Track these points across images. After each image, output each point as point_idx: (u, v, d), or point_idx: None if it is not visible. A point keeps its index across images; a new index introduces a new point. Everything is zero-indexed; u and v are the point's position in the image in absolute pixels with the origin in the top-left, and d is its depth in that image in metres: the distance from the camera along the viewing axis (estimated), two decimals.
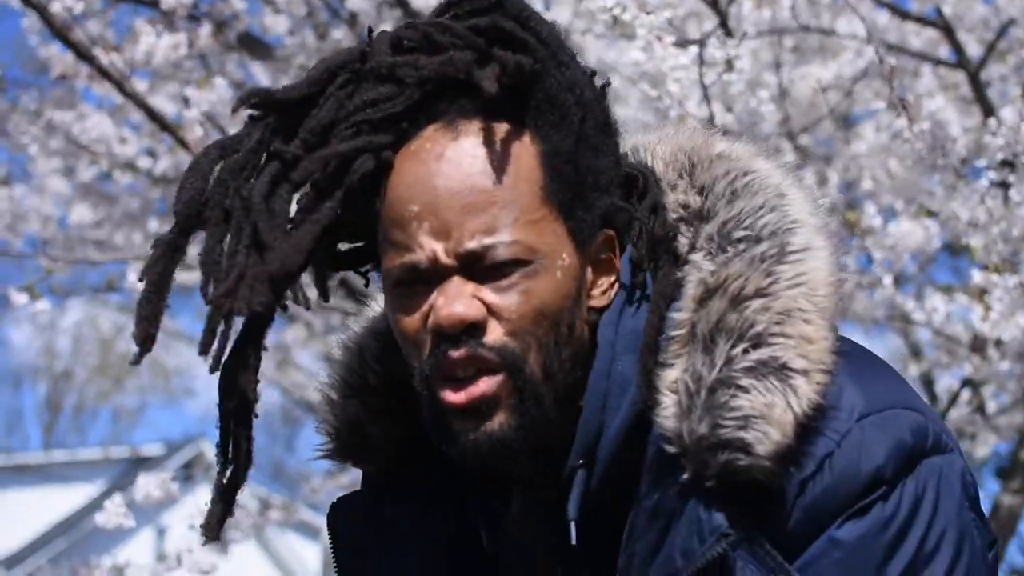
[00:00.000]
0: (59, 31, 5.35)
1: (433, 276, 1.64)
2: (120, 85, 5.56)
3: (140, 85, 5.97)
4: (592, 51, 6.14)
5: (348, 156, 1.65)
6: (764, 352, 1.60)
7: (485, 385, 1.64)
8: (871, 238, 5.43)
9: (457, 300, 1.62)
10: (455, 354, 1.63)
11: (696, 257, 1.70)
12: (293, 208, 1.68)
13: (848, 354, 1.67)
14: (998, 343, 5.52)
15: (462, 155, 1.64)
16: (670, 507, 1.63)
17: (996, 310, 4.73)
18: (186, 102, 6.09)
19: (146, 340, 1.68)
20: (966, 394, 7.08)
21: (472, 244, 1.62)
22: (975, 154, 4.29)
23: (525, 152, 1.66)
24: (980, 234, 4.44)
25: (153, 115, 5.72)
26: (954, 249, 7.97)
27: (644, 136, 1.84)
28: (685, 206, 1.74)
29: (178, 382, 33.73)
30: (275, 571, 24.35)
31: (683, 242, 1.73)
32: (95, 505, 22.09)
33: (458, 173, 1.64)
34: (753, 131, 4.97)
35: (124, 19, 7.04)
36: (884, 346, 11.17)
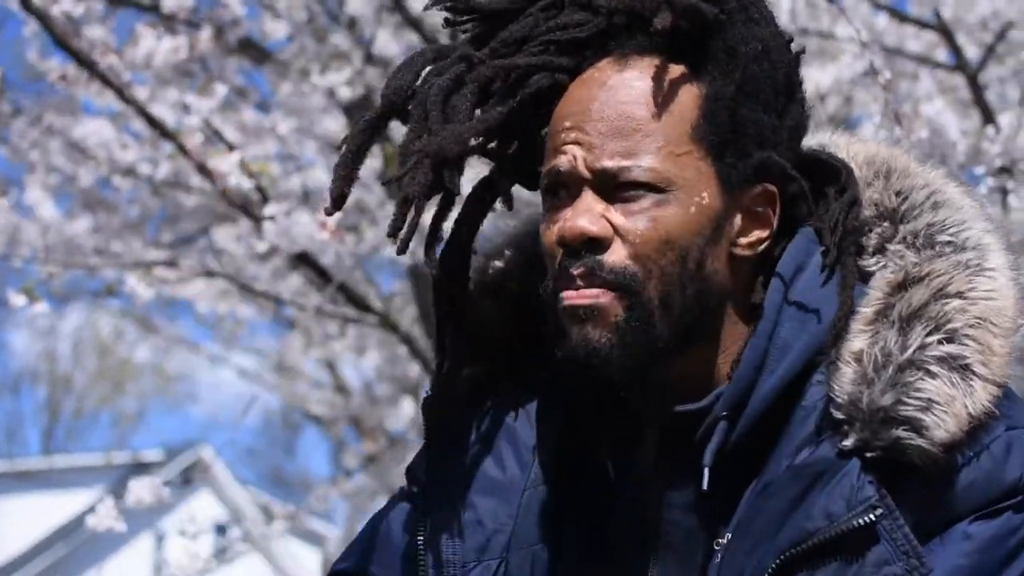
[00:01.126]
0: (60, 38, 5.36)
1: (572, 185, 1.72)
2: (120, 92, 5.58)
3: (140, 92, 5.97)
4: None
5: (527, 70, 1.76)
6: (955, 348, 1.65)
7: (596, 294, 1.69)
8: None
9: (584, 215, 1.69)
10: (574, 270, 1.69)
11: (896, 247, 1.76)
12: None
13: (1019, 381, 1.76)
14: None
15: (621, 84, 1.72)
16: (819, 469, 1.66)
17: None
18: (186, 108, 6.11)
19: (340, 198, 1.77)
20: None
21: (609, 163, 1.69)
22: (973, 158, 4.29)
23: (686, 92, 1.72)
24: None
25: (153, 122, 5.74)
26: None
27: (832, 136, 1.89)
28: (878, 204, 1.80)
29: (178, 388, 33.75)
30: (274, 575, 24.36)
31: (873, 237, 1.79)
32: (95, 510, 22.10)
33: (613, 99, 1.71)
34: None
35: (125, 24, 7.05)
36: None
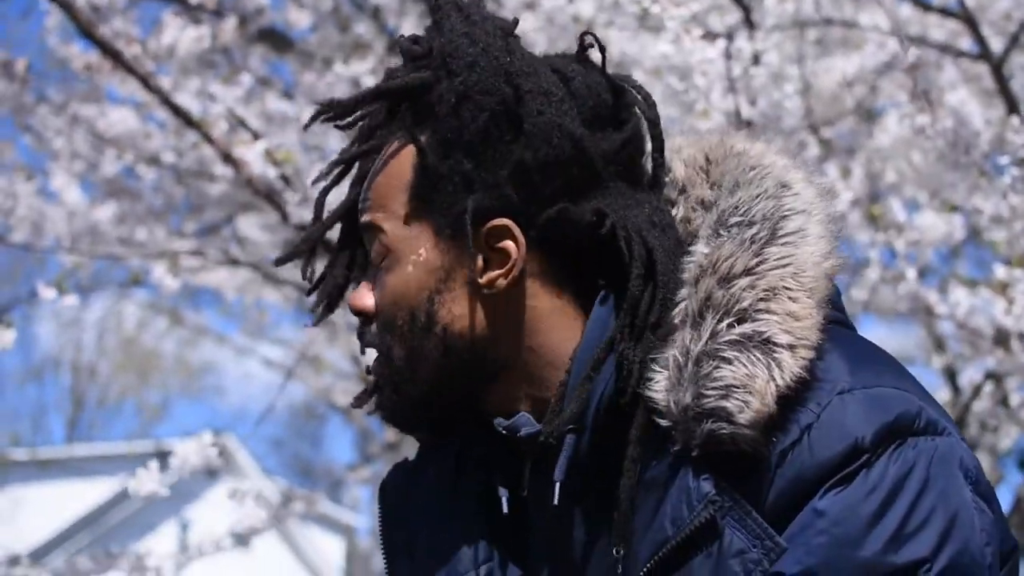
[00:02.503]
0: (84, 27, 5.37)
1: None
2: (145, 81, 5.59)
3: (164, 81, 5.99)
4: (615, 44, 6.13)
5: (358, 155, 1.92)
6: (748, 327, 1.67)
7: (375, 364, 1.86)
8: (894, 231, 5.44)
9: (356, 293, 1.88)
10: (360, 340, 1.89)
11: (696, 245, 1.78)
12: None
13: (849, 341, 1.74)
14: (1021, 336, 5.52)
15: (373, 162, 1.87)
16: (662, 479, 1.69)
17: (1019, 303, 4.74)
18: (211, 97, 6.12)
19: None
20: (989, 387, 7.08)
21: (363, 227, 1.87)
22: (997, 147, 4.28)
23: (404, 158, 1.82)
24: (1003, 229, 4.45)
25: (178, 111, 5.75)
26: (979, 241, 7.96)
27: (678, 139, 1.93)
28: (701, 200, 1.84)
29: (203, 379, 33.83)
30: (297, 565, 24.41)
31: (696, 239, 1.81)
32: (119, 499, 22.17)
33: (372, 179, 1.86)
34: (777, 124, 4.97)
35: (149, 14, 7.08)
36: (908, 339, 11.16)
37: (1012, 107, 5.72)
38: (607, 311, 1.78)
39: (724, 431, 1.64)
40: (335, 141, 7.97)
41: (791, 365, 1.65)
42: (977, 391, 6.88)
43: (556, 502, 1.75)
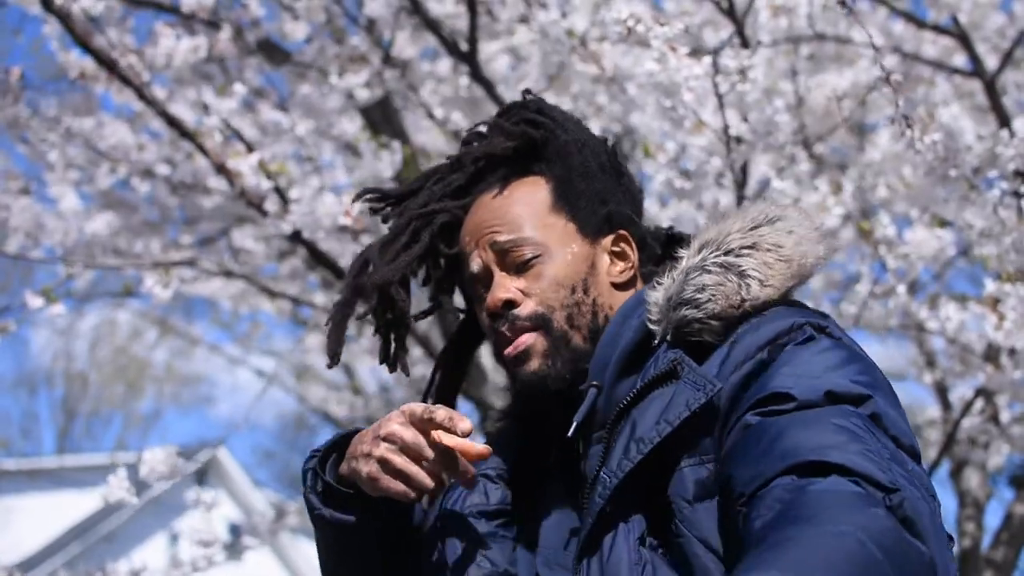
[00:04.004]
0: (80, 37, 5.39)
1: (485, 278, 2.43)
2: (140, 91, 5.60)
3: (159, 93, 6.00)
4: (608, 58, 6.16)
5: (432, 213, 2.54)
6: (732, 259, 2.24)
7: (523, 340, 2.36)
8: (885, 246, 5.45)
9: (498, 288, 2.40)
10: (503, 327, 2.38)
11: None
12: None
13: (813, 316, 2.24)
14: (1012, 352, 5.53)
15: (495, 199, 2.47)
16: (647, 364, 2.24)
17: (1010, 319, 4.75)
18: (205, 108, 6.13)
19: (335, 356, 2.54)
20: (980, 403, 7.09)
21: (501, 246, 2.41)
22: (989, 163, 4.30)
23: (538, 186, 2.47)
24: (993, 244, 4.46)
25: (173, 122, 5.76)
26: (970, 257, 7.97)
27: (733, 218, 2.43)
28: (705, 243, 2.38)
29: (194, 389, 33.73)
30: None
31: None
32: (109, 509, 22.12)
33: (491, 208, 2.46)
34: (768, 140, 4.99)
35: (144, 25, 7.08)
36: (899, 355, 11.17)
37: (1004, 123, 5.74)
38: (634, 300, 2.36)
39: (693, 316, 2.20)
40: (328, 153, 7.99)
41: (757, 292, 2.20)
42: (967, 407, 6.89)
43: (570, 434, 2.28)
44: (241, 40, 6.88)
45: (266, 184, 5.82)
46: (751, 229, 2.26)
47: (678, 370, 2.15)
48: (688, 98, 4.36)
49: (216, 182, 6.84)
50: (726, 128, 4.82)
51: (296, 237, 5.95)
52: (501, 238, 2.41)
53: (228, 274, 7.54)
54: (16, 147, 7.14)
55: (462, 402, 7.67)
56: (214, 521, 6.93)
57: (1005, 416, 7.34)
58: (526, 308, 2.37)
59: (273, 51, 7.60)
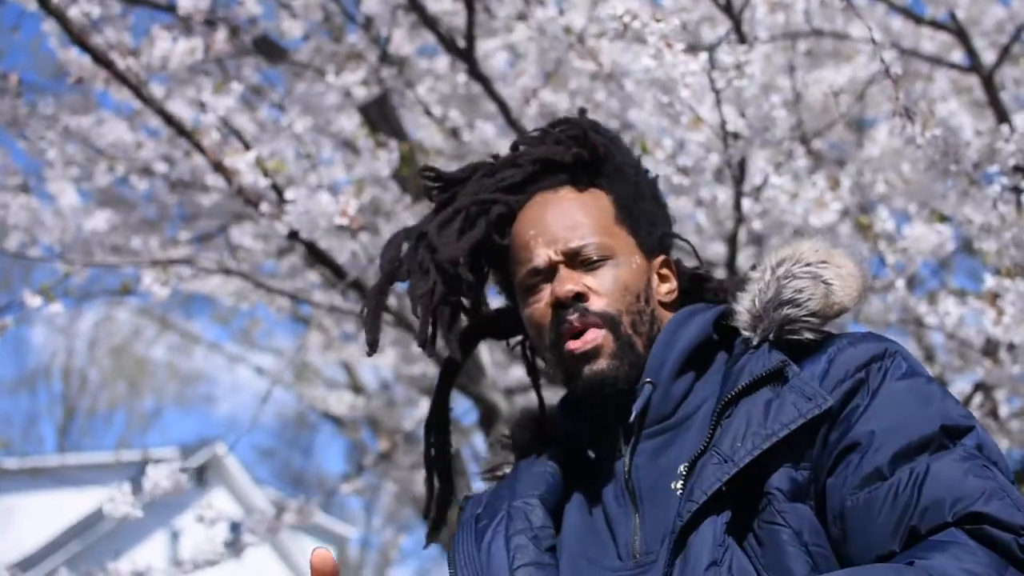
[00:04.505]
0: (77, 36, 5.38)
1: (548, 272, 2.48)
2: (137, 90, 5.60)
3: (157, 91, 5.99)
4: (607, 54, 6.15)
5: (488, 202, 2.58)
6: (812, 268, 2.35)
7: (592, 336, 2.42)
8: (884, 241, 5.45)
9: (568, 280, 2.45)
10: (571, 316, 2.43)
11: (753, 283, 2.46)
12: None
13: None
14: (1010, 347, 5.53)
15: (561, 200, 2.55)
16: (743, 364, 2.31)
17: (1008, 314, 4.74)
18: (203, 107, 6.12)
19: (374, 342, 2.61)
20: (978, 398, 7.08)
21: (573, 244, 2.48)
22: (988, 158, 4.29)
23: (601, 198, 2.55)
24: (993, 239, 4.45)
25: (170, 120, 5.75)
26: (970, 251, 7.97)
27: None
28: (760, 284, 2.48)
29: (195, 387, 33.77)
30: (288, 574, 24.38)
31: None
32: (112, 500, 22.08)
33: (558, 208, 2.53)
34: (765, 136, 4.99)
35: (141, 24, 7.07)
36: None
37: (1002, 118, 5.74)
38: (688, 310, 2.51)
39: (796, 314, 2.30)
40: (327, 150, 7.98)
41: (840, 296, 2.32)
42: (966, 402, 6.88)
43: (631, 419, 2.37)
44: (238, 39, 6.87)
45: (263, 182, 5.81)
46: (818, 253, 2.39)
47: (786, 373, 2.24)
48: (685, 94, 4.36)
49: (214, 180, 6.84)
50: (723, 124, 4.82)
51: (294, 236, 5.94)
52: (574, 234, 2.48)
53: (226, 271, 7.53)
54: (16, 143, 7.14)
55: (461, 399, 7.66)
56: (216, 532, 6.93)
57: (1004, 411, 7.34)
58: (597, 304, 2.44)
59: (270, 49, 7.59)
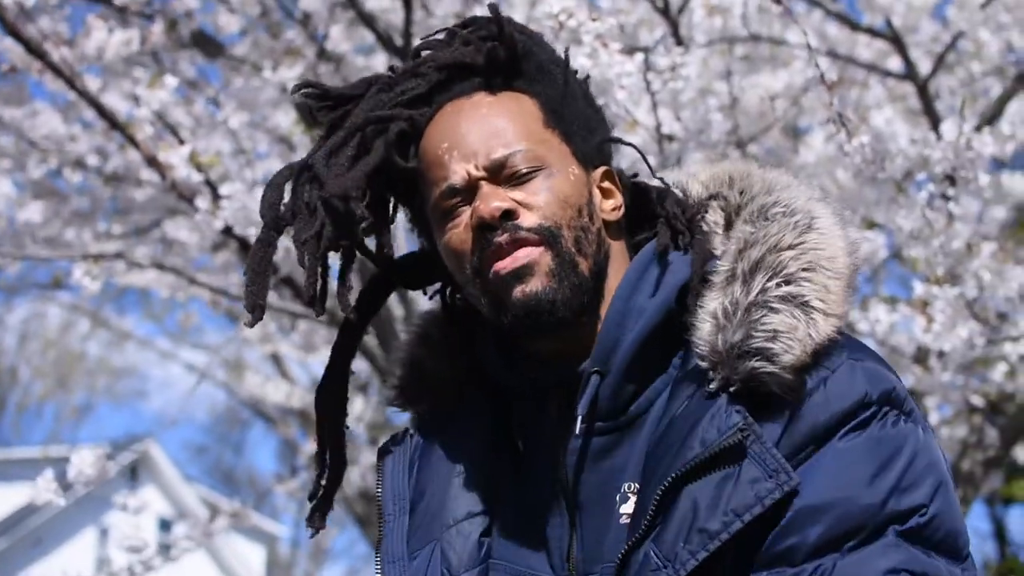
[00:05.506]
0: (11, 26, 5.34)
1: (468, 191, 2.05)
2: (71, 82, 5.56)
3: (92, 83, 5.95)
4: None
5: (386, 119, 2.11)
6: (793, 288, 1.94)
7: (526, 253, 2.01)
8: None
9: (492, 197, 2.02)
10: (499, 238, 2.01)
11: (739, 224, 2.07)
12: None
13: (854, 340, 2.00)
14: (940, 354, 5.57)
15: (477, 105, 2.11)
16: (696, 415, 1.91)
17: (938, 322, 4.78)
18: (137, 100, 6.09)
19: (255, 309, 2.08)
20: None
21: (496, 155, 2.05)
22: (921, 165, 4.32)
23: (526, 101, 2.12)
24: (922, 247, 4.49)
25: (104, 113, 5.71)
26: (901, 259, 8.03)
27: (695, 166, 2.27)
28: (726, 202, 2.13)
29: (126, 383, 33.55)
30: (219, 573, 24.27)
31: (720, 223, 2.11)
32: (37, 505, 21.92)
33: (476, 115, 2.09)
34: (700, 139, 5.00)
35: (77, 15, 7.01)
36: None
37: (936, 126, 5.78)
38: (642, 265, 2.08)
39: (766, 370, 1.89)
40: (263, 145, 7.95)
41: (824, 327, 1.91)
42: None
43: (578, 432, 1.99)
44: (175, 32, 6.84)
45: (198, 177, 5.78)
46: (799, 238, 1.99)
47: (746, 444, 1.85)
48: (621, 95, 4.36)
49: (148, 174, 6.79)
50: (659, 126, 4.83)
51: (228, 232, 5.91)
52: (496, 143, 2.06)
53: (159, 267, 7.48)
54: None
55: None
56: (144, 523, 6.90)
57: (934, 418, 7.39)
58: (529, 219, 2.03)
59: (207, 43, 7.55)
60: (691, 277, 2.03)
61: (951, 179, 4.19)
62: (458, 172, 2.05)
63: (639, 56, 4.42)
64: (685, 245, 2.10)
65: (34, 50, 5.48)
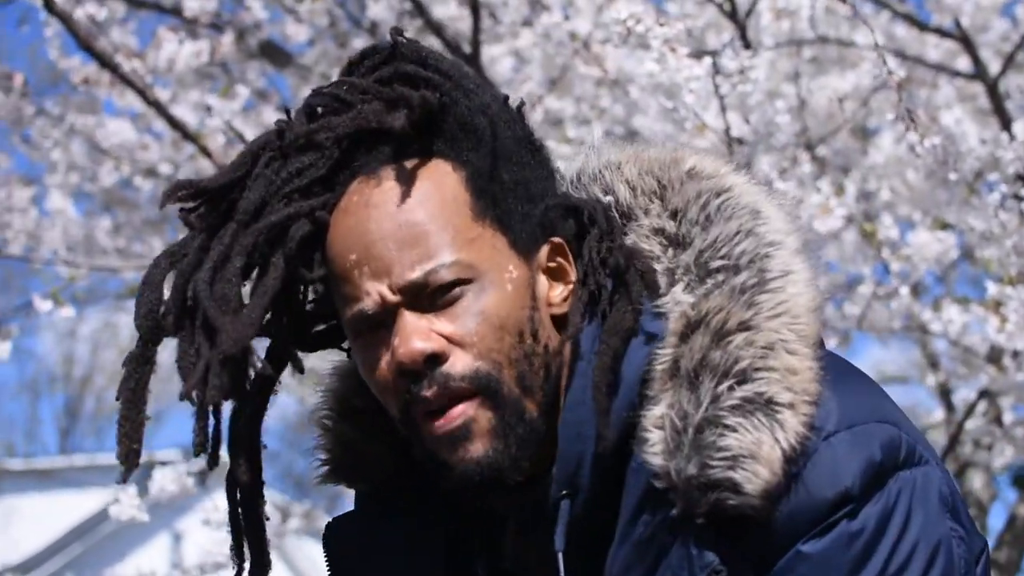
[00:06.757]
0: (83, 40, 5.39)
1: (385, 318, 1.67)
2: (143, 93, 5.61)
3: (162, 94, 6.00)
4: (612, 61, 6.16)
5: (283, 224, 1.69)
6: (749, 388, 1.61)
7: (460, 412, 1.66)
8: (888, 249, 5.46)
9: (413, 336, 1.65)
10: (426, 392, 1.66)
11: (676, 290, 1.71)
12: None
13: (829, 365, 1.67)
14: (1015, 354, 5.53)
15: (387, 197, 1.68)
16: (660, 541, 1.63)
17: (1012, 322, 4.75)
18: (208, 110, 6.13)
19: (129, 456, 1.75)
20: (983, 405, 7.08)
21: (413, 274, 1.66)
22: (991, 167, 4.31)
23: (447, 179, 1.70)
24: (994, 247, 4.46)
25: (175, 124, 5.77)
26: (972, 260, 7.98)
27: (612, 152, 1.85)
28: (660, 231, 1.75)
29: None
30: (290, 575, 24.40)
31: (662, 274, 1.73)
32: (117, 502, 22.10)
33: (386, 214, 1.67)
34: (770, 141, 4.99)
35: (147, 27, 7.09)
36: (902, 357, 11.17)
37: (1007, 126, 5.74)
38: (584, 373, 1.70)
39: (731, 501, 1.59)
40: None
41: (793, 424, 1.60)
42: (971, 409, 6.88)
43: (562, 573, 1.67)
44: (243, 43, 6.89)
45: None
46: (749, 311, 1.65)
47: None
48: (689, 99, 4.37)
49: None
50: (728, 130, 4.82)
51: None
52: (412, 255, 1.66)
53: None
54: (18, 148, 7.15)
55: None
56: (222, 535, 6.97)
57: (1008, 418, 7.33)
58: (460, 363, 1.66)
59: (276, 54, 7.60)
60: (592, 385, 1.68)
61: (1023, 179, 4.17)
62: (371, 295, 1.67)
63: (707, 60, 4.43)
64: (606, 305, 1.72)
65: (106, 63, 5.54)
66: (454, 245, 1.67)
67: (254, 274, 1.72)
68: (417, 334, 1.65)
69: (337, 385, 1.90)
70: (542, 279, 1.73)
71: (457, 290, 1.66)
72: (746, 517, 1.59)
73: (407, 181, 1.69)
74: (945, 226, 5.54)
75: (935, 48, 7.61)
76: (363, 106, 1.73)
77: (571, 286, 1.74)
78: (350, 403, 1.87)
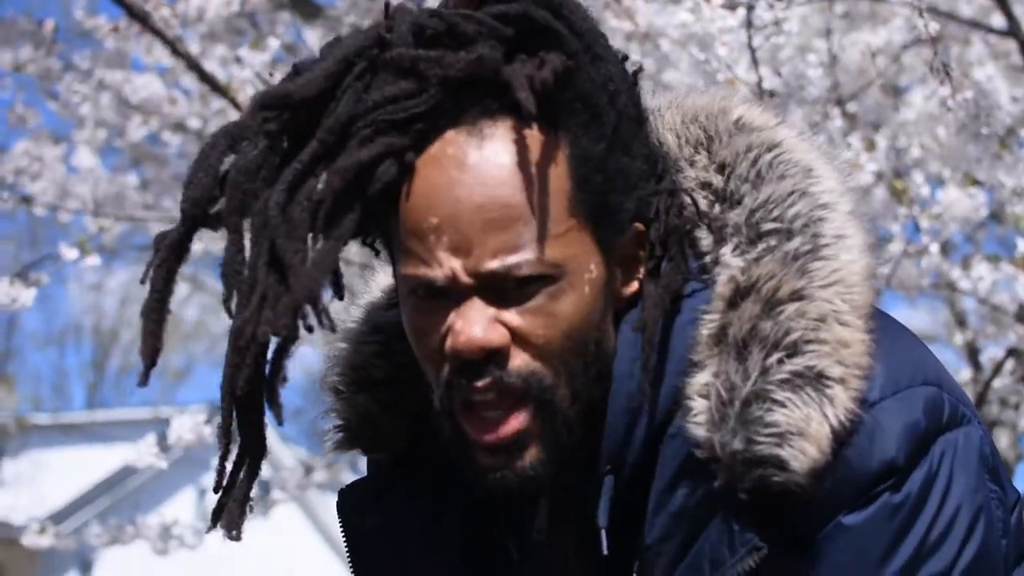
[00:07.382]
0: None
1: (452, 294, 1.56)
2: (173, 45, 5.60)
3: (191, 47, 6.00)
4: (643, 14, 6.13)
5: (370, 164, 1.52)
6: (800, 361, 1.55)
7: (516, 423, 1.58)
8: (918, 206, 5.44)
9: (477, 324, 1.54)
10: (478, 384, 1.56)
11: (725, 251, 1.64)
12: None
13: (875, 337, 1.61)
14: None
15: (486, 163, 1.53)
16: (700, 512, 1.60)
17: None
18: (238, 62, 6.13)
19: (153, 355, 1.62)
20: (1011, 364, 7.07)
21: (493, 264, 1.53)
22: (1022, 123, 4.28)
23: (553, 159, 1.55)
24: None
25: (205, 76, 5.76)
26: (1000, 219, 7.95)
27: (649, 99, 1.74)
28: (707, 185, 1.68)
29: (224, 347, 33.92)
30: (314, 531, 24.49)
31: (705, 234, 1.67)
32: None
33: (481, 185, 1.53)
34: (800, 95, 4.97)
35: None
36: (930, 316, 11.15)
37: None
38: (635, 335, 1.63)
39: (776, 478, 1.53)
40: None
41: (843, 400, 1.54)
42: (998, 368, 6.86)
43: (606, 551, 1.61)
44: None
45: None
46: (802, 279, 1.58)
47: (760, 565, 1.55)
48: (722, 52, 4.35)
49: None
50: (759, 82, 4.80)
51: None
52: (497, 244, 1.54)
53: None
54: (46, 103, 7.15)
55: None
56: None
57: None
58: (519, 359, 1.56)
59: (305, 6, 7.59)
60: (642, 352, 1.61)
61: None
62: (443, 267, 1.54)
63: (740, 11, 4.40)
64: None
65: (135, 14, 5.53)
66: (542, 240, 1.53)
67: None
68: (482, 323, 1.54)
69: (350, 353, 1.82)
70: (618, 272, 1.63)
71: (534, 286, 1.55)
72: (790, 493, 1.54)
73: (509, 150, 1.54)
74: (975, 182, 5.51)
75: (968, 4, 7.57)
76: (482, 50, 1.53)
77: (640, 272, 1.65)
78: (368, 374, 1.80)
